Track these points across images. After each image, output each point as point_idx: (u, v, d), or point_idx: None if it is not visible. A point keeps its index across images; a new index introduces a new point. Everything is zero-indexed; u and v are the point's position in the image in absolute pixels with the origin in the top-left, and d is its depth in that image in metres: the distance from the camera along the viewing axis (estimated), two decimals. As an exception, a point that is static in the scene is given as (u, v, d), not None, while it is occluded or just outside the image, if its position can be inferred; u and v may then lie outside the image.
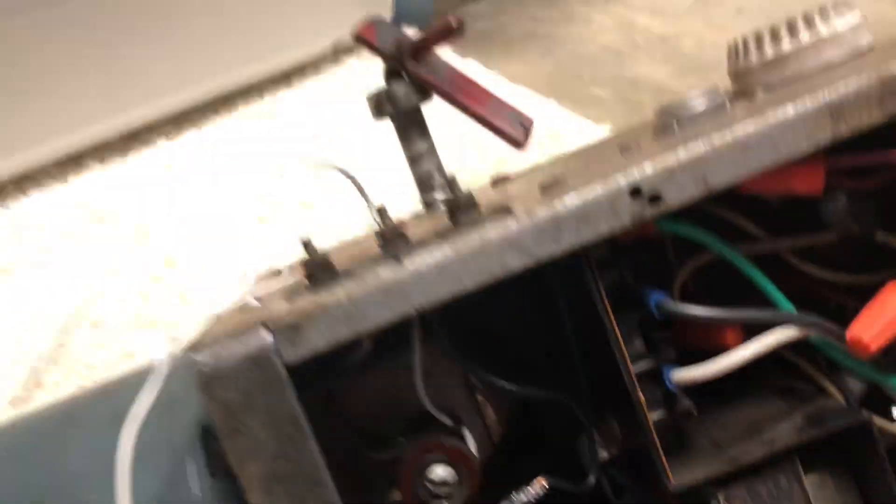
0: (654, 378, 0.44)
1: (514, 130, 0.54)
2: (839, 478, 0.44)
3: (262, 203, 0.96)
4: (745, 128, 0.36)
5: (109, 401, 0.45)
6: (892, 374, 0.42)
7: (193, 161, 1.08)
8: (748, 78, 0.47)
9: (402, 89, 0.54)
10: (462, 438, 0.43)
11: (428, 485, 0.41)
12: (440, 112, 0.56)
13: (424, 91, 0.55)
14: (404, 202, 0.95)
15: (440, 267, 0.36)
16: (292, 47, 1.22)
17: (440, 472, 0.41)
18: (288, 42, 1.21)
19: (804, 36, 0.45)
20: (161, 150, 1.11)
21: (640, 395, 0.41)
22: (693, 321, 0.43)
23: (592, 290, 0.40)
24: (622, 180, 0.36)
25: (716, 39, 1.49)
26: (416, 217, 0.57)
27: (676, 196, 0.36)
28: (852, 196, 0.41)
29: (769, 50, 0.46)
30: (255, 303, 0.42)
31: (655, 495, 0.43)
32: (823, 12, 0.45)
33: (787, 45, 0.45)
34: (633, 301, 0.43)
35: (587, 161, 0.48)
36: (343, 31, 1.26)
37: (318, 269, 0.39)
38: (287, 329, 0.36)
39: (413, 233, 0.40)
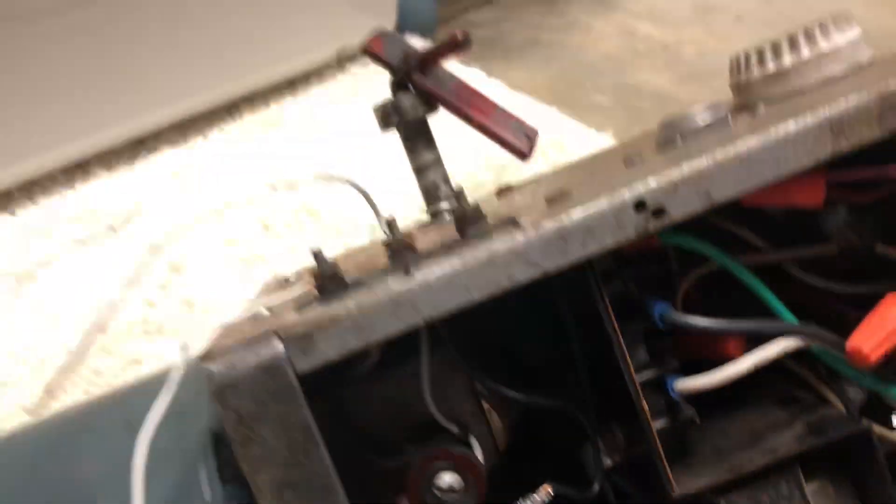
0: (658, 387, 0.45)
1: (519, 142, 0.55)
2: (840, 485, 0.45)
3: (267, 210, 0.97)
4: (748, 143, 0.37)
5: (122, 408, 0.46)
6: (892, 384, 0.42)
7: (199, 168, 1.09)
8: (750, 91, 0.48)
9: (408, 101, 0.55)
10: (469, 446, 0.43)
11: (436, 491, 0.42)
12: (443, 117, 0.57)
13: (431, 103, 0.56)
14: (404, 202, 0.97)
15: (449, 279, 0.37)
16: (297, 55, 1.23)
17: (447, 479, 0.41)
18: (293, 50, 1.22)
19: (805, 51, 0.46)
20: (167, 157, 1.12)
21: (644, 403, 0.41)
22: (696, 331, 0.43)
23: (597, 301, 0.41)
24: (627, 194, 0.37)
25: (716, 47, 1.50)
26: (423, 226, 0.58)
27: (680, 210, 0.37)
28: (852, 209, 0.42)
29: (770, 64, 0.47)
30: (265, 312, 0.43)
31: (659, 503, 0.43)
32: (823, 27, 0.46)
33: (787, 59, 0.46)
34: (637, 311, 0.44)
35: (591, 173, 0.49)
36: (347, 40, 1.27)
37: (328, 279, 0.39)
38: (299, 339, 0.36)
39: (421, 243, 0.40)
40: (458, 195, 0.44)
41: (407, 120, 0.55)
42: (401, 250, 0.39)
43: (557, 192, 0.42)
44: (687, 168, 0.37)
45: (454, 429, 0.44)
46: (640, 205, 0.37)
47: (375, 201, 0.53)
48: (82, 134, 1.06)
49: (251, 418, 0.36)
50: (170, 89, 1.11)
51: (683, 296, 0.47)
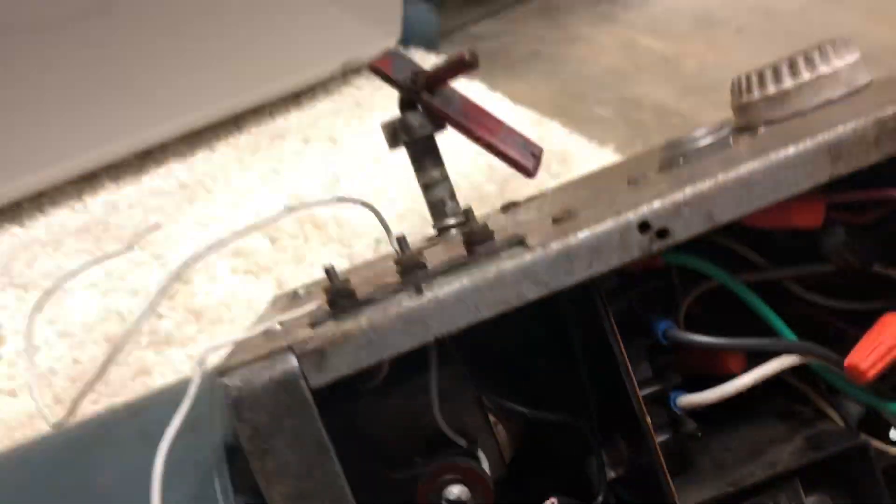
0: (661, 402, 0.46)
1: (525, 160, 0.56)
2: (838, 499, 0.46)
3: (274, 224, 0.98)
4: (749, 166, 0.38)
5: (137, 419, 0.47)
6: (889, 400, 0.43)
7: (206, 180, 1.10)
8: (751, 113, 0.49)
9: (416, 120, 0.56)
10: (476, 459, 0.44)
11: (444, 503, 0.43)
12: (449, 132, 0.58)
13: (438, 121, 0.57)
14: (409, 216, 0.98)
15: (458, 297, 0.38)
16: (303, 69, 1.24)
17: (456, 491, 0.42)
18: (299, 64, 1.23)
19: (805, 74, 0.47)
20: (175, 169, 1.13)
21: (647, 418, 0.42)
22: (698, 348, 0.44)
23: (602, 318, 0.42)
24: (632, 216, 0.38)
25: (717, 60, 1.51)
26: (429, 240, 0.59)
27: (683, 230, 0.38)
28: (850, 230, 0.43)
29: (771, 87, 0.48)
30: (278, 328, 0.44)
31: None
32: (823, 51, 0.47)
33: (788, 82, 0.47)
34: (640, 328, 0.45)
35: (596, 192, 0.50)
36: (352, 53, 1.29)
37: (340, 295, 0.40)
38: (313, 355, 0.37)
39: (430, 260, 0.41)
40: (467, 213, 0.45)
41: (415, 138, 0.57)
42: (411, 268, 0.40)
43: (563, 211, 0.43)
44: (690, 190, 0.38)
45: (462, 442, 0.45)
46: (644, 226, 0.38)
47: (386, 219, 0.54)
48: (90, 146, 1.07)
49: (266, 431, 0.37)
50: (177, 102, 1.12)
51: (686, 312, 0.48)
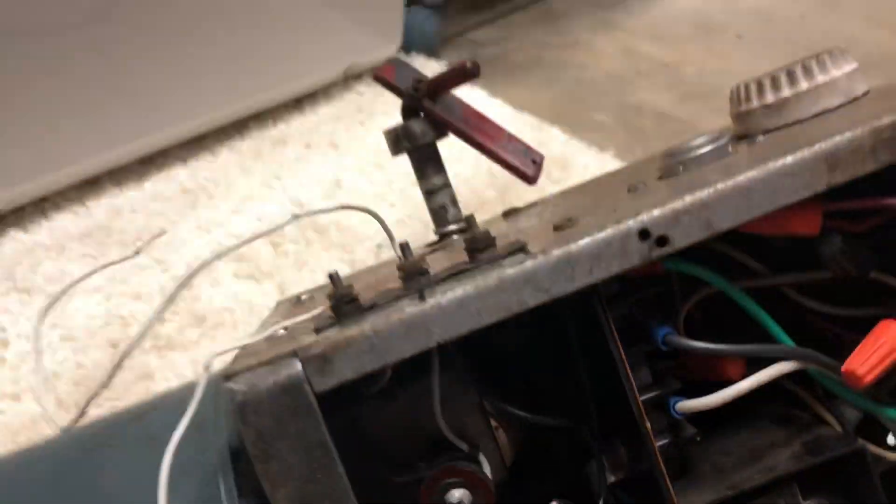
0: (660, 406, 0.46)
1: (526, 167, 0.57)
2: (836, 503, 0.46)
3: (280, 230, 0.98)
4: (747, 175, 0.39)
5: (142, 423, 0.48)
6: (886, 405, 0.44)
7: (208, 185, 1.11)
8: (749, 121, 0.50)
9: (418, 127, 0.57)
10: (478, 462, 0.45)
11: (447, 507, 0.43)
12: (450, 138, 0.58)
13: (440, 129, 0.57)
14: (406, 210, 0.99)
15: (461, 303, 0.38)
16: (305, 75, 1.25)
17: (458, 494, 0.43)
18: (301, 69, 1.24)
19: (803, 84, 0.48)
20: (177, 174, 1.14)
21: (647, 422, 0.43)
22: (697, 354, 0.45)
23: (603, 324, 0.43)
24: (632, 223, 0.39)
25: (717, 66, 1.52)
26: (431, 246, 0.59)
27: (682, 238, 0.39)
28: (847, 238, 0.44)
29: (769, 96, 0.48)
30: (282, 333, 0.45)
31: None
32: (821, 61, 0.48)
33: (786, 91, 0.48)
34: (640, 334, 0.46)
35: (596, 200, 0.51)
36: (354, 59, 1.29)
37: (344, 301, 0.41)
38: (317, 360, 0.38)
39: (433, 266, 0.42)
40: (469, 220, 0.46)
41: (417, 145, 0.57)
42: (414, 274, 0.41)
43: (564, 218, 0.43)
44: (689, 198, 0.39)
45: (464, 446, 0.45)
46: (644, 233, 0.39)
47: (389, 225, 0.55)
48: (93, 151, 1.07)
49: (271, 435, 0.38)
50: (179, 107, 1.13)
51: (685, 318, 0.48)
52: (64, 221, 1.05)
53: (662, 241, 0.39)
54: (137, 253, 0.52)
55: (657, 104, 1.41)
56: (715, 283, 0.45)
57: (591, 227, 0.39)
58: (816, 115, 0.48)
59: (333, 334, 0.39)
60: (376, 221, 0.55)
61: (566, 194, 0.64)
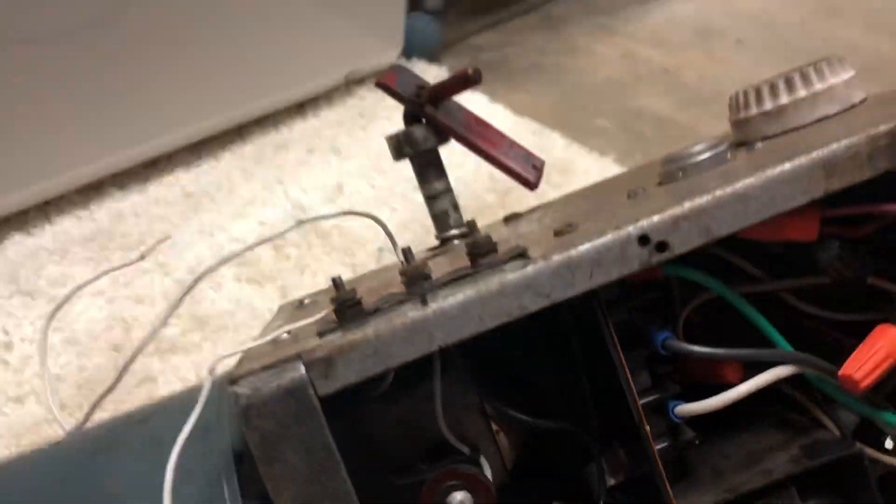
0: (659, 410, 0.47)
1: (527, 173, 0.57)
2: (834, 506, 0.47)
3: (277, 231, 0.99)
4: (746, 182, 0.39)
5: (147, 426, 0.48)
6: (882, 409, 0.44)
7: (210, 189, 1.11)
8: (748, 128, 0.50)
9: (420, 133, 0.58)
10: (479, 465, 0.45)
11: (448, 509, 0.43)
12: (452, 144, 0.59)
13: (442, 135, 0.58)
14: (407, 215, 0.99)
15: (462, 307, 0.39)
16: (307, 79, 1.26)
17: (459, 497, 0.43)
18: (302, 74, 1.24)
19: (801, 91, 0.48)
20: (180, 178, 1.14)
21: (646, 426, 0.43)
22: (696, 358, 0.45)
23: (603, 328, 0.43)
24: (632, 229, 0.39)
25: (716, 71, 1.52)
26: (432, 250, 0.60)
27: (681, 244, 0.39)
28: (844, 244, 0.44)
29: (768, 103, 0.49)
30: (285, 337, 0.45)
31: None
32: (818, 69, 0.48)
33: (784, 98, 0.49)
34: (640, 338, 0.46)
35: (597, 205, 0.51)
36: (355, 64, 1.30)
37: (347, 305, 0.41)
38: (320, 363, 0.38)
39: (434, 271, 0.43)
40: (471, 225, 0.46)
41: (419, 151, 0.58)
42: (416, 279, 0.41)
43: (565, 224, 0.44)
44: (688, 205, 0.39)
45: (465, 449, 0.46)
46: (643, 239, 0.39)
47: (391, 229, 0.55)
48: (96, 156, 1.08)
49: (275, 438, 0.38)
50: (182, 112, 1.13)
51: (684, 323, 0.49)
52: (67, 225, 1.06)
53: (662, 246, 0.39)
54: (143, 257, 0.53)
55: (657, 109, 1.41)
56: (714, 288, 0.46)
57: (592, 232, 0.40)
58: (814, 123, 0.48)
59: (337, 338, 0.39)
60: (377, 225, 0.56)
61: (567, 200, 0.64)
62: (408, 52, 1.41)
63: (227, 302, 0.91)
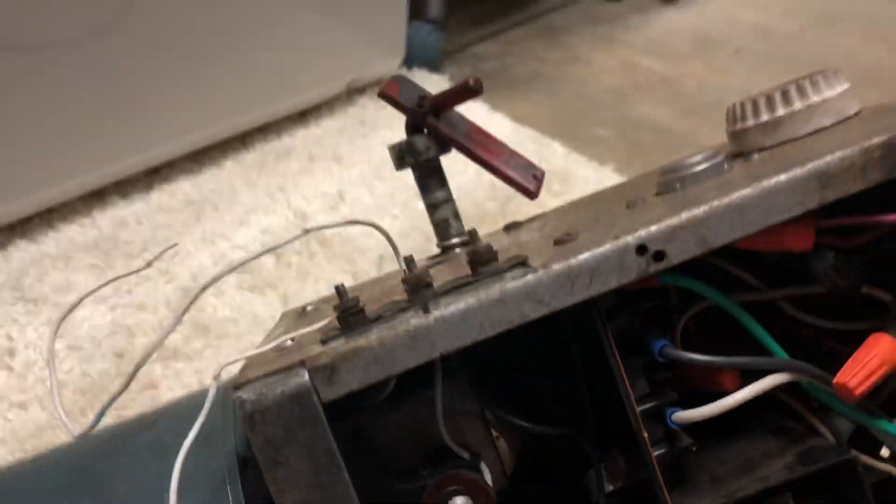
0: (657, 417, 0.47)
1: (527, 182, 0.58)
2: (829, 512, 0.47)
3: (279, 239, 0.99)
4: (742, 192, 0.40)
5: (151, 431, 0.49)
6: (877, 417, 0.45)
7: (213, 197, 1.12)
8: (745, 139, 0.51)
9: (422, 143, 0.58)
10: (479, 471, 0.46)
11: (448, 515, 0.44)
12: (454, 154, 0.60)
13: (443, 144, 0.59)
14: (408, 222, 1.00)
15: (463, 315, 0.39)
16: (309, 88, 1.27)
17: (459, 501, 0.43)
18: (305, 83, 1.25)
19: (797, 103, 0.49)
20: (182, 185, 1.15)
21: (644, 432, 0.44)
22: (693, 366, 0.46)
23: (601, 336, 0.44)
24: (630, 239, 0.40)
25: (716, 80, 1.53)
26: (433, 259, 0.61)
27: (678, 253, 0.40)
28: (839, 254, 0.45)
29: (764, 115, 0.50)
30: (289, 344, 0.46)
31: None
32: (814, 81, 0.49)
33: (780, 110, 0.49)
34: (638, 346, 0.47)
35: (596, 214, 0.52)
36: (357, 73, 1.31)
37: (350, 313, 0.42)
38: (324, 370, 0.39)
39: (436, 279, 0.43)
40: (472, 234, 0.47)
41: (421, 160, 0.58)
42: (418, 287, 0.42)
43: (564, 233, 0.45)
44: (685, 215, 0.40)
45: (465, 454, 0.46)
46: (641, 249, 0.40)
47: (392, 237, 0.56)
48: (99, 163, 1.09)
49: (278, 443, 0.39)
50: (185, 120, 1.14)
51: (682, 331, 0.50)
52: (71, 232, 1.07)
53: (659, 256, 0.40)
54: (150, 265, 0.53)
55: (657, 118, 1.42)
56: (711, 297, 0.46)
57: (591, 242, 0.41)
58: (810, 134, 0.49)
59: (340, 345, 0.40)
60: (378, 233, 0.56)
61: (566, 209, 0.65)
62: (409, 61, 1.42)
63: (230, 309, 0.92)
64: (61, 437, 0.75)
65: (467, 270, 0.43)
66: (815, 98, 0.49)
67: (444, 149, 0.59)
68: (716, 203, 0.40)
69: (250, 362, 0.44)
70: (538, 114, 1.43)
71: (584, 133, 1.37)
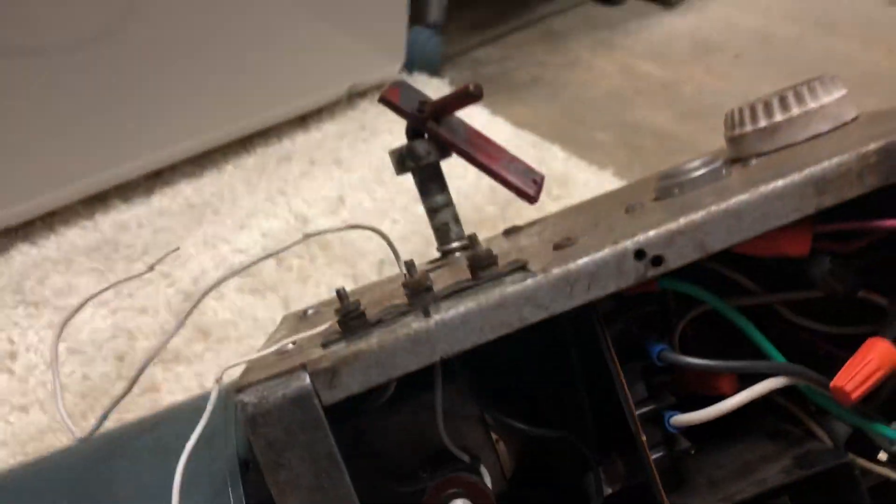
0: (655, 420, 0.48)
1: (527, 187, 0.58)
2: (826, 515, 0.48)
3: (280, 243, 1.00)
4: (739, 198, 0.40)
5: (153, 434, 0.49)
6: (873, 421, 0.45)
7: (214, 200, 1.12)
8: (743, 145, 0.51)
9: (423, 147, 0.59)
10: (479, 473, 0.46)
11: (448, 517, 0.44)
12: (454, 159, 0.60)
13: (444, 149, 0.59)
14: (407, 226, 1.00)
15: (463, 319, 0.40)
16: (310, 93, 1.27)
17: (459, 505, 0.44)
18: (306, 87, 1.26)
19: (794, 109, 0.49)
20: (184, 189, 1.15)
21: (643, 436, 0.44)
22: (691, 370, 0.46)
23: (600, 340, 0.44)
24: (628, 244, 0.40)
25: (715, 85, 1.54)
26: (433, 263, 0.61)
27: (676, 258, 0.40)
28: (836, 259, 0.45)
29: (762, 120, 0.50)
30: (290, 347, 0.46)
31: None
32: (811, 87, 0.50)
33: (778, 116, 0.50)
34: (636, 350, 0.47)
35: (594, 219, 0.52)
36: (358, 78, 1.32)
37: (351, 317, 0.42)
38: (325, 373, 0.39)
39: (436, 283, 0.44)
40: (472, 238, 0.47)
41: (421, 165, 0.59)
42: (419, 291, 0.42)
43: (563, 238, 0.45)
44: (683, 220, 0.40)
45: (465, 457, 0.46)
46: (640, 253, 0.40)
47: (392, 241, 0.56)
48: (100, 167, 1.09)
49: (280, 446, 0.39)
50: (186, 124, 1.15)
51: (680, 335, 0.50)
52: (72, 236, 1.07)
53: (657, 260, 0.40)
54: (152, 268, 0.54)
55: (656, 123, 1.43)
56: (709, 301, 0.47)
57: (590, 246, 0.41)
58: (807, 140, 0.49)
59: (341, 349, 0.40)
60: (378, 237, 0.57)
61: (566, 213, 0.65)
62: (409, 66, 1.42)
63: (230, 312, 0.92)
64: (62, 440, 0.75)
65: (467, 274, 0.43)
66: (812, 104, 0.49)
67: (445, 153, 0.59)
68: (714, 208, 0.40)
69: (252, 365, 0.45)
70: (538, 118, 1.43)
71: (584, 137, 1.37)
